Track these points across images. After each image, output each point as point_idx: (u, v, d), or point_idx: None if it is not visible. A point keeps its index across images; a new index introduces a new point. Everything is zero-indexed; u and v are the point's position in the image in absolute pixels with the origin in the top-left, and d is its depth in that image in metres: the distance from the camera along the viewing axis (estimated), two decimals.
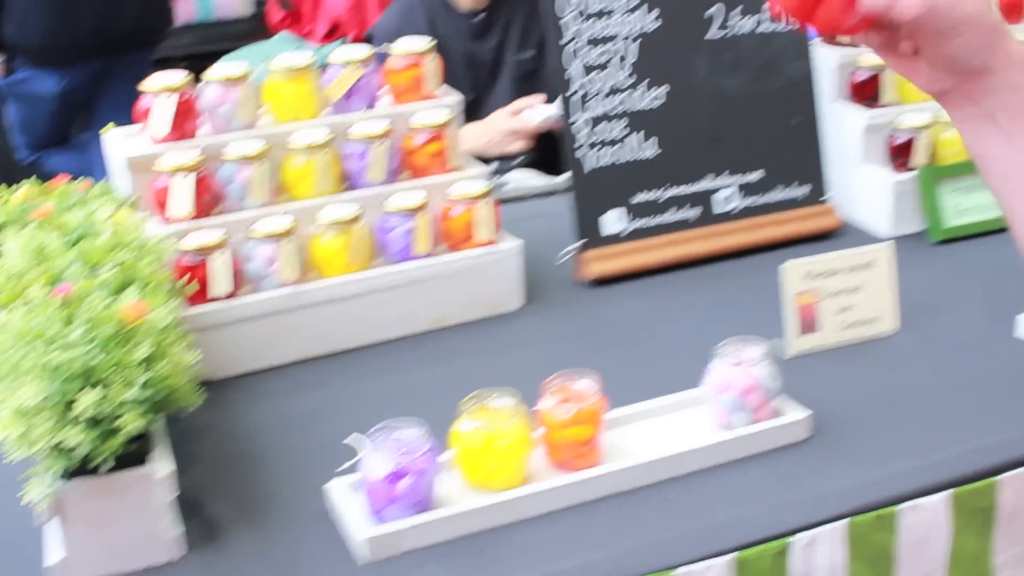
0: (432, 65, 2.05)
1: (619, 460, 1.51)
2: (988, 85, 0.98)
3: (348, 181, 1.98)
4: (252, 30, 5.24)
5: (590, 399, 1.49)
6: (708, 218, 2.18)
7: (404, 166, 2.02)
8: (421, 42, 2.06)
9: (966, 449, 1.55)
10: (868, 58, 2.29)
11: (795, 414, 1.58)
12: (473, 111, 2.99)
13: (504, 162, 2.88)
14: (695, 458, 1.52)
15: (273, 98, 1.98)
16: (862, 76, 2.29)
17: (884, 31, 0.97)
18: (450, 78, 2.96)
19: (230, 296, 1.82)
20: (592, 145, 2.09)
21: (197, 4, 5.42)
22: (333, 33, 4.72)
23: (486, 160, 2.85)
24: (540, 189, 2.58)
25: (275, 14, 4.92)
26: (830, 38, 2.28)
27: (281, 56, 1.98)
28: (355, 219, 1.88)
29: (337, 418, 1.69)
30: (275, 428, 1.70)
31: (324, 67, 2.03)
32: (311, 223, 1.89)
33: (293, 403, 1.76)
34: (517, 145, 2.83)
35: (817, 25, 0.89)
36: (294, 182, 1.94)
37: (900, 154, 2.26)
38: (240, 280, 1.84)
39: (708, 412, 1.59)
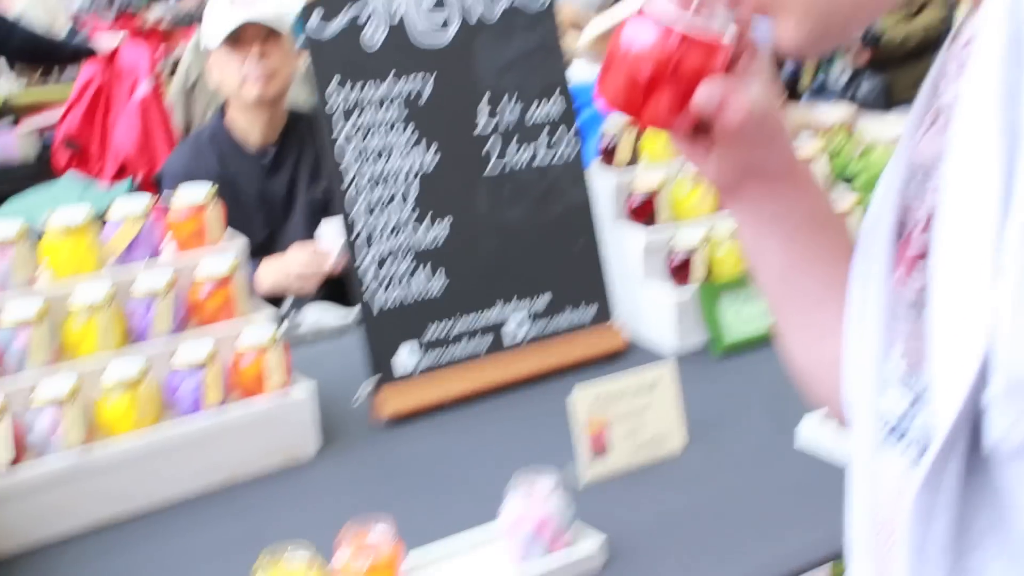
0: (215, 212, 2.05)
1: None
2: (773, 190, 1.00)
3: (133, 335, 1.95)
4: (37, 173, 5.11)
5: (384, 548, 1.48)
6: (499, 347, 2.22)
7: (191, 316, 2.00)
8: (203, 190, 2.06)
9: (758, 564, 1.60)
10: (643, 181, 2.39)
11: (590, 543, 1.61)
12: (268, 248, 2.99)
13: (297, 300, 2.87)
14: None
15: (51, 255, 1.94)
16: (638, 199, 2.38)
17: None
18: (243, 216, 2.96)
19: (13, 464, 1.76)
20: (380, 284, 2.11)
21: None
22: (122, 173, 4.66)
23: (281, 299, 2.84)
24: (335, 328, 2.59)
25: (62, 155, 4.84)
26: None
27: (57, 213, 1.95)
28: (142, 376, 1.85)
29: None
30: None
31: (104, 220, 2.00)
32: (96, 383, 1.85)
33: (87, 572, 1.70)
34: (313, 283, 2.83)
35: (642, 121, 0.89)
36: (76, 341, 1.89)
37: (679, 271, 2.34)
38: (23, 448, 1.78)
39: (506, 548, 1.61)
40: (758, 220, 1.03)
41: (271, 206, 3.00)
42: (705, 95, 0.86)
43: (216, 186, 2.89)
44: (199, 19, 6.81)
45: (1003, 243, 0.67)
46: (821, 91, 5.88)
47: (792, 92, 5.89)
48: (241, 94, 2.91)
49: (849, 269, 0.98)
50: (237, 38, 2.86)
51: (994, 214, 0.68)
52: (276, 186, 3.00)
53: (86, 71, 4.90)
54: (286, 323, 2.82)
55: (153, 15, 7.76)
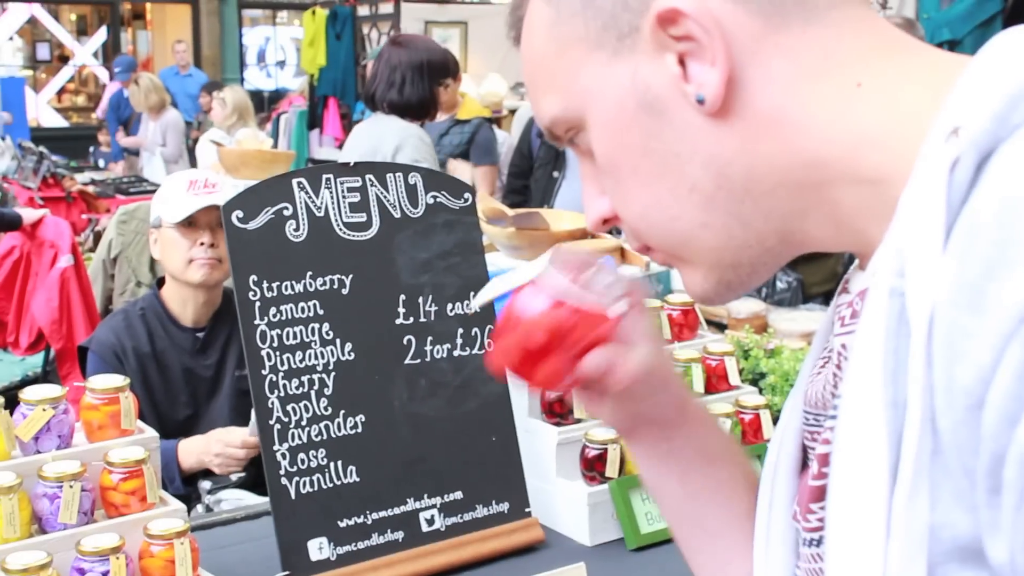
0: (128, 401, 2.04)
1: None
2: (666, 431, 1.05)
3: (38, 524, 1.92)
4: None
5: None
6: (415, 539, 2.21)
7: (98, 504, 1.98)
8: (117, 379, 2.06)
9: None
10: None
11: None
12: (190, 426, 2.98)
13: (217, 481, 2.85)
14: None
15: None
16: (553, 395, 2.42)
17: None
18: (168, 392, 2.97)
19: None
20: (293, 474, 2.11)
21: None
22: (37, 344, 4.62)
23: (196, 481, 2.82)
24: (252, 510, 2.56)
25: None
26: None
27: None
28: (45, 566, 1.81)
29: None
30: None
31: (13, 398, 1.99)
32: None
33: None
34: (231, 468, 2.82)
35: (533, 384, 0.94)
36: None
37: (592, 467, 2.37)
38: None
39: None
40: (654, 457, 1.08)
41: (197, 384, 3.01)
42: (592, 363, 0.93)
43: (144, 361, 2.94)
44: (123, 191, 6.88)
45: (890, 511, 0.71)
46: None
47: None
48: (185, 276, 2.95)
49: (749, 499, 1.02)
50: (190, 221, 2.91)
51: (883, 485, 0.72)
52: (204, 365, 3.01)
53: (7, 241, 4.90)
54: (204, 502, 2.80)
55: (79, 180, 7.81)
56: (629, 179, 0.86)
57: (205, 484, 2.87)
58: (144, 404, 2.86)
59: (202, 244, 2.93)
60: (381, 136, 4.38)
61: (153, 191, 6.80)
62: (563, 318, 0.91)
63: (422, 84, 4.45)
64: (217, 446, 2.79)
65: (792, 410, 0.93)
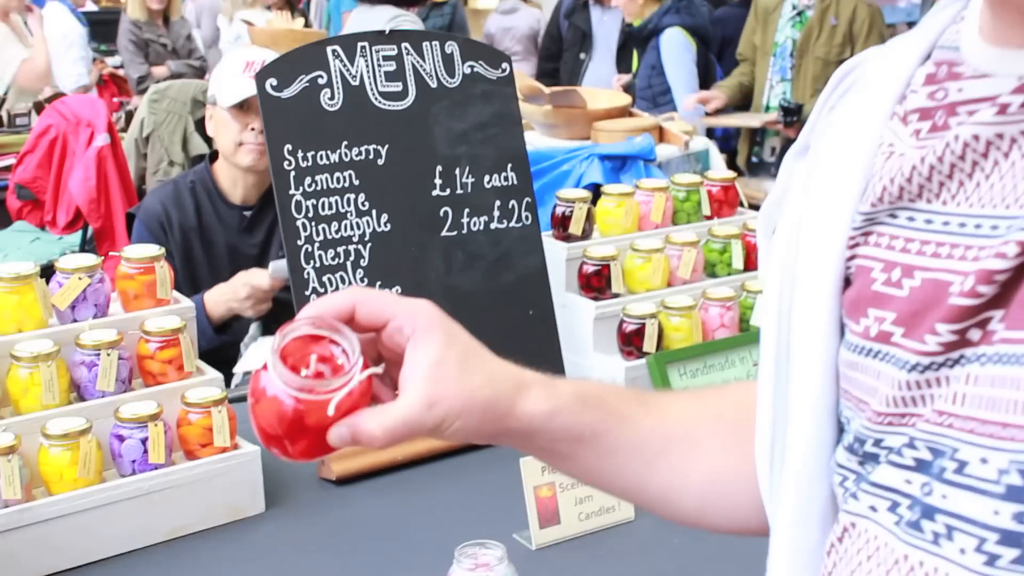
0: (164, 271, 2.03)
1: None
2: (520, 438, 0.98)
3: (77, 391, 1.93)
4: None
5: None
6: None
7: (136, 373, 1.98)
8: (152, 248, 2.04)
9: None
10: (596, 251, 2.40)
11: None
12: None
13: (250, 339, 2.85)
14: None
15: None
16: (590, 268, 2.39)
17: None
18: (212, 269, 2.95)
19: None
20: None
21: None
22: (75, 223, 4.63)
23: (228, 328, 2.81)
24: None
25: (14, 203, 4.80)
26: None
27: (2, 266, 1.93)
28: (84, 431, 1.82)
29: None
30: None
31: (51, 272, 1.98)
32: (36, 438, 1.82)
33: None
34: (262, 307, 2.79)
35: (294, 458, 0.94)
36: (18, 395, 1.87)
37: (630, 341, 2.35)
38: None
39: None
40: (529, 451, 1.03)
41: (241, 263, 2.98)
42: (336, 436, 0.91)
43: (189, 235, 2.92)
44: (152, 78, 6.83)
45: None
46: (760, 166, 5.97)
47: (731, 167, 6.04)
48: (235, 158, 2.92)
49: (637, 433, 0.99)
50: (242, 104, 2.87)
51: None
52: (249, 244, 2.99)
53: (43, 120, 4.87)
54: (242, 370, 2.79)
55: (110, 64, 7.75)
56: None
57: (245, 352, 2.85)
58: (185, 279, 2.86)
59: (252, 129, 2.89)
60: (373, 23, 4.32)
61: (183, 74, 6.74)
62: (290, 408, 0.90)
63: None
64: (244, 289, 2.77)
65: (824, 220, 0.83)
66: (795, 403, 0.84)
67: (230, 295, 2.78)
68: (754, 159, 6.07)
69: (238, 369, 2.79)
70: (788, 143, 5.91)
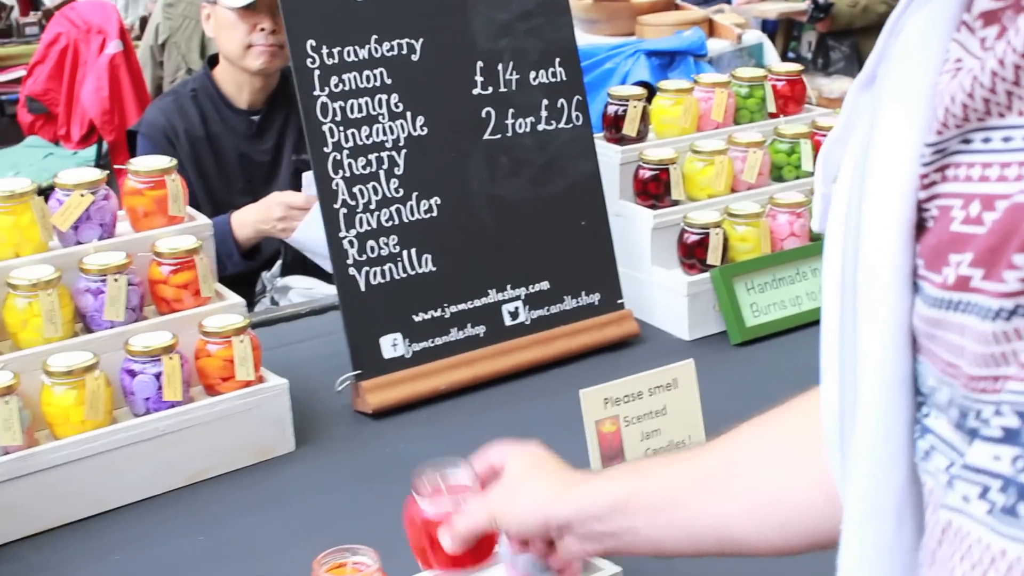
0: (176, 185, 1.82)
1: None
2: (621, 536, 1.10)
3: (83, 322, 1.73)
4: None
5: None
6: (497, 335, 2.00)
7: (148, 300, 1.78)
8: (162, 160, 1.83)
9: None
10: (653, 153, 2.18)
11: (606, 570, 1.40)
12: None
13: (271, 277, 2.68)
14: None
15: None
16: (647, 173, 2.17)
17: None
18: (223, 179, 2.77)
19: None
20: (362, 263, 1.89)
21: None
22: (89, 137, 4.43)
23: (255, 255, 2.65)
24: (320, 303, 2.35)
25: (26, 117, 4.60)
26: None
27: None
28: (91, 367, 1.62)
29: None
30: None
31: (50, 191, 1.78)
32: (37, 376, 1.62)
33: None
34: (295, 224, 2.60)
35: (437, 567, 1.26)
36: (16, 328, 1.67)
37: (692, 253, 2.13)
38: None
39: (506, 574, 1.39)
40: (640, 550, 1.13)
41: (254, 170, 2.82)
42: (445, 543, 1.21)
43: (198, 145, 2.73)
44: None
45: None
46: (796, 62, 5.84)
47: None
48: (243, 62, 2.72)
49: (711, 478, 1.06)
50: (250, 5, 2.67)
51: None
52: (261, 150, 2.82)
53: (52, 28, 4.65)
54: (266, 295, 2.63)
55: None
56: None
57: (266, 276, 2.69)
58: (200, 191, 2.68)
59: (262, 30, 2.69)
60: None
61: None
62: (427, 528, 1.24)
63: None
64: (279, 209, 2.59)
65: (889, 158, 0.70)
66: (863, 373, 0.72)
67: (262, 215, 2.61)
68: (791, 54, 5.90)
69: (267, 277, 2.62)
70: (823, 38, 5.73)
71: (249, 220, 2.62)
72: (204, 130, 2.76)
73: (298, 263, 2.67)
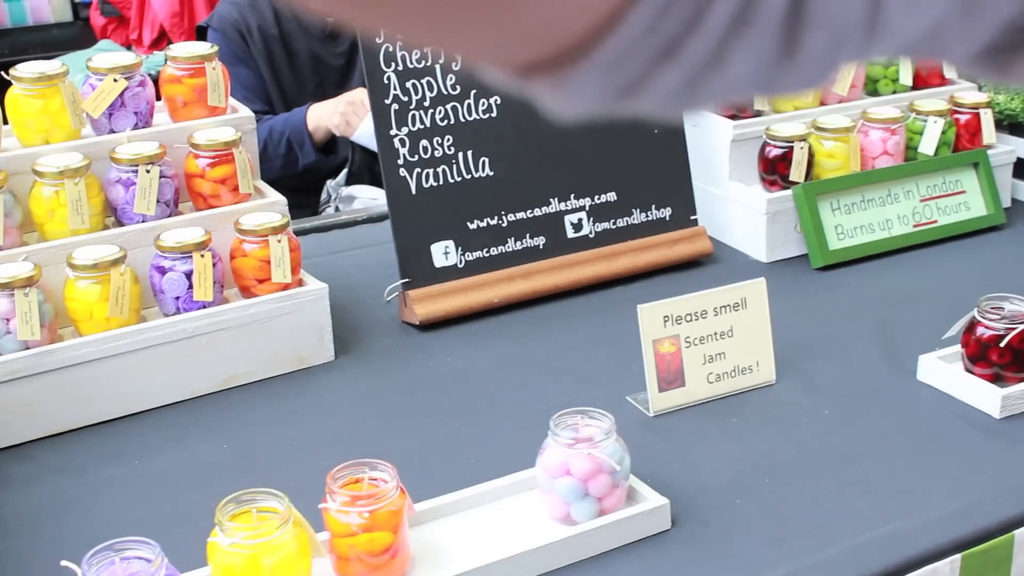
0: (217, 73, 1.70)
1: (428, 570, 1.18)
2: None
3: (112, 215, 1.63)
4: (74, 36, 4.77)
5: (386, 499, 1.15)
6: (557, 247, 1.86)
7: (184, 195, 1.68)
8: (202, 46, 1.71)
9: (877, 535, 1.25)
10: None
11: (651, 501, 1.27)
12: None
13: (336, 185, 2.57)
14: (524, 562, 1.20)
15: (16, 115, 1.61)
16: None
17: None
18: (295, 81, 2.66)
19: None
20: (413, 164, 1.76)
21: (8, 7, 4.89)
22: (161, 41, 4.34)
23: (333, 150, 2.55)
24: (375, 210, 2.23)
25: (98, 20, 4.52)
26: None
27: (24, 66, 1.61)
28: (118, 261, 1.52)
29: (91, 515, 1.34)
30: (10, 527, 1.33)
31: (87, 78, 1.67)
32: (62, 269, 1.52)
33: (35, 494, 1.40)
34: (361, 117, 2.50)
35: None
36: (42, 218, 1.58)
37: (774, 169, 1.97)
38: None
39: (542, 502, 1.27)
40: None
41: (326, 73, 2.71)
42: None
43: (270, 43, 2.63)
44: None
45: None
46: None
47: None
48: None
49: None
50: None
51: None
52: (334, 53, 2.71)
53: None
54: (331, 204, 2.53)
55: None
56: None
57: (333, 182, 2.58)
58: (272, 90, 2.62)
59: None
60: None
61: None
62: None
63: None
64: (343, 105, 2.50)
65: None
66: None
67: (329, 110, 2.54)
68: None
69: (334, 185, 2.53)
70: None
71: (318, 114, 2.54)
72: (278, 28, 2.65)
73: (365, 171, 2.56)
